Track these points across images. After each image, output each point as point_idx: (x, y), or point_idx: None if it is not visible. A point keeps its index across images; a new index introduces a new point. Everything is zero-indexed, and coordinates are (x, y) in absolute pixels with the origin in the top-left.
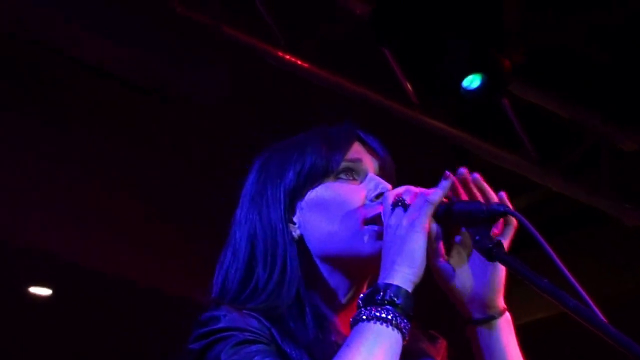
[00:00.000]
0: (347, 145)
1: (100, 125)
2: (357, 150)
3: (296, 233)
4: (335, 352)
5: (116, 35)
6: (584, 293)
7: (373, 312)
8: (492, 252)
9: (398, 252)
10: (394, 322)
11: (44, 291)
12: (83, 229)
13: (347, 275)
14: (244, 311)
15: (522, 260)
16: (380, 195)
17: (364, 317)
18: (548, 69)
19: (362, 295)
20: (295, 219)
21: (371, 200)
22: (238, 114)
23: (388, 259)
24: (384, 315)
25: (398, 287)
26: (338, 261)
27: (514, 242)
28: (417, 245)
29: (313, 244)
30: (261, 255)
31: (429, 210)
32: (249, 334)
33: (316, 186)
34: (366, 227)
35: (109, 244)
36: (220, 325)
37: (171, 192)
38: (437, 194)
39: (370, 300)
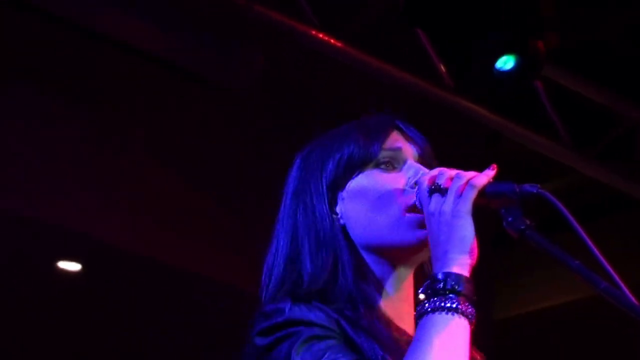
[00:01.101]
0: (385, 135)
1: (132, 105)
2: (396, 139)
3: (340, 223)
4: (394, 343)
5: (147, 15)
6: (615, 275)
7: (438, 303)
8: (525, 234)
9: (448, 240)
10: (460, 310)
11: (73, 266)
12: (113, 206)
13: (391, 264)
14: (311, 303)
15: (554, 242)
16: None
17: (429, 309)
18: (583, 56)
19: (422, 287)
20: (337, 210)
21: (411, 187)
22: (271, 98)
23: (439, 249)
24: (449, 304)
25: (457, 275)
26: (381, 250)
27: (546, 224)
28: (467, 232)
29: (356, 234)
30: (312, 248)
31: (473, 195)
32: (317, 328)
33: (356, 176)
34: (407, 215)
35: (141, 224)
36: (285, 318)
37: (205, 172)
38: (481, 180)
39: (433, 292)
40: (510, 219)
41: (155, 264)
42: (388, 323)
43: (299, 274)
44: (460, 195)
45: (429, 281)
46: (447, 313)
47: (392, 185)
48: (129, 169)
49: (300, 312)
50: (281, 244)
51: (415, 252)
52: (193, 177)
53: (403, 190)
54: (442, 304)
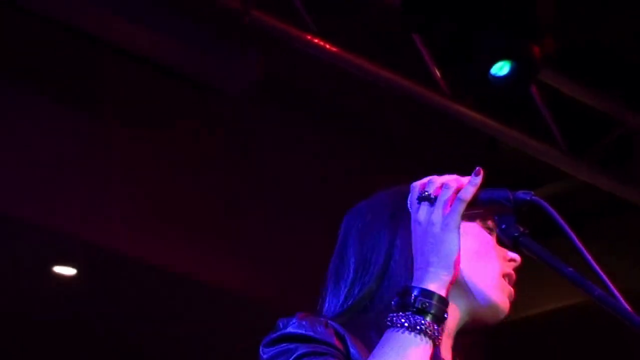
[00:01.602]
0: None
1: (130, 110)
2: None
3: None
4: None
5: (146, 19)
6: (608, 282)
7: (403, 319)
8: (519, 241)
9: (432, 253)
10: (423, 331)
11: (68, 271)
12: (109, 211)
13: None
14: (321, 318)
15: (548, 249)
16: (514, 260)
17: (394, 322)
18: (579, 61)
19: (396, 296)
20: None
21: (507, 261)
22: (268, 102)
23: (422, 259)
24: (412, 323)
25: (431, 293)
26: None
27: (539, 230)
28: (454, 246)
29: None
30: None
31: (461, 208)
32: (315, 344)
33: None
34: (503, 280)
35: (137, 228)
36: (285, 332)
37: (202, 176)
38: (468, 192)
39: (402, 305)
40: (503, 226)
41: (152, 268)
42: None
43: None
44: (448, 206)
45: (401, 291)
46: (409, 332)
47: (495, 248)
48: (125, 173)
49: (300, 326)
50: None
51: (499, 318)
52: (190, 182)
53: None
54: (406, 322)
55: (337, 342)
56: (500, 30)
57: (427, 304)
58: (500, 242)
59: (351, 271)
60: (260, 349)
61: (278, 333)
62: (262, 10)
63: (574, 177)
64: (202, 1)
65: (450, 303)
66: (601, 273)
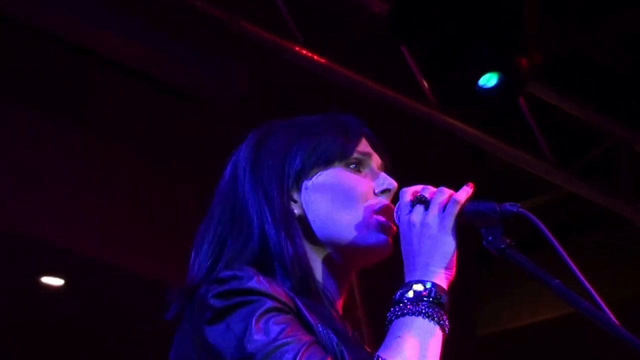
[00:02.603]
0: (359, 137)
1: (116, 120)
2: (366, 144)
3: (298, 211)
4: (344, 335)
5: (131, 30)
6: (595, 294)
7: (423, 308)
8: (505, 253)
9: (431, 253)
10: (440, 321)
11: (56, 281)
12: (96, 222)
13: (344, 262)
14: (268, 277)
15: (534, 261)
16: (386, 190)
17: (415, 311)
18: (566, 72)
19: (401, 289)
20: (297, 197)
21: (376, 194)
22: (256, 112)
23: (420, 260)
24: (431, 313)
25: (441, 287)
26: (339, 247)
27: (526, 242)
28: (450, 247)
29: (315, 226)
30: (266, 226)
31: (456, 210)
32: (278, 302)
33: (325, 170)
34: (374, 216)
35: (124, 238)
36: (247, 286)
37: (190, 186)
38: (462, 196)
39: (417, 297)
40: (490, 237)
41: (139, 277)
42: (338, 315)
43: (250, 248)
44: (443, 209)
45: (407, 286)
46: (429, 320)
47: (361, 187)
48: (112, 184)
49: (260, 283)
50: (224, 218)
51: (370, 253)
52: (177, 192)
53: (370, 194)
54: (427, 311)
55: (289, 302)
56: (488, 43)
57: (439, 297)
58: None
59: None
60: (209, 299)
61: (234, 285)
62: (250, 22)
63: (561, 189)
64: (189, 12)
65: (335, 262)
66: (588, 285)
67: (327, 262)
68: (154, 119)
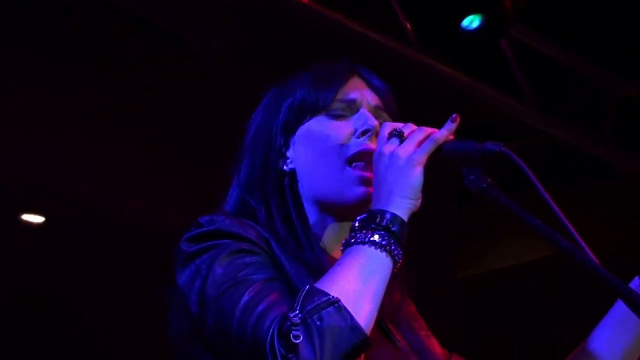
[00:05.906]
0: (341, 82)
1: (103, 61)
2: (354, 87)
3: (288, 167)
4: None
5: None
6: (576, 233)
7: (368, 236)
8: (487, 192)
9: (394, 183)
10: (387, 248)
11: (36, 219)
12: (76, 160)
13: (332, 214)
14: (243, 220)
15: (515, 200)
16: (366, 131)
17: (359, 240)
18: (551, 17)
19: (359, 217)
20: (288, 154)
21: (357, 137)
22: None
23: (383, 188)
24: (378, 240)
25: (394, 215)
26: (322, 201)
27: (507, 182)
28: (416, 181)
29: (301, 179)
30: (257, 185)
31: (431, 148)
32: (245, 243)
33: (307, 121)
34: (348, 168)
35: (105, 177)
36: (215, 227)
37: (173, 130)
38: (442, 134)
39: (366, 225)
40: (472, 177)
41: (119, 217)
42: (323, 254)
43: (252, 207)
44: (417, 145)
45: (366, 215)
46: (375, 248)
47: (337, 132)
48: (93, 124)
49: (231, 225)
50: (232, 178)
51: (354, 209)
52: (160, 135)
53: (349, 139)
54: (372, 238)
55: (263, 243)
56: None
57: (389, 224)
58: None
59: None
60: (182, 244)
61: (205, 229)
62: None
63: (543, 135)
64: None
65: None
66: (569, 225)
67: (319, 213)
68: (142, 62)
